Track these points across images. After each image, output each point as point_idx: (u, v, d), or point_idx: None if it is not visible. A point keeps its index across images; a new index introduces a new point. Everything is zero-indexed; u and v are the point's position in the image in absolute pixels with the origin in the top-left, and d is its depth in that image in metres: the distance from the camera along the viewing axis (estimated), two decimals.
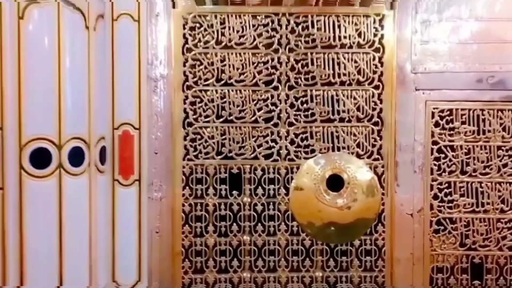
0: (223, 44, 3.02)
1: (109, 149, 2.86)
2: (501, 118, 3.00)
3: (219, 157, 3.03)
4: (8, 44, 2.47)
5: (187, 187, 3.02)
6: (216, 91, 3.02)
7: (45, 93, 2.54)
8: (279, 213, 3.04)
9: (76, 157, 2.65)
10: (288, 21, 3.02)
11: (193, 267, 3.03)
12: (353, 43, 3.02)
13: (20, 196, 2.53)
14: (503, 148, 3.01)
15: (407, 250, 3.02)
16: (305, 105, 3.04)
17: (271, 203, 3.04)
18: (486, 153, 3.01)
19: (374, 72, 3.02)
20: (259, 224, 3.04)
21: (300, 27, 3.02)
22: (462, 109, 3.00)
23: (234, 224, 3.04)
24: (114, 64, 2.88)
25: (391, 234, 3.03)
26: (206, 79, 3.02)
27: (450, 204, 3.02)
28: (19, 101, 2.50)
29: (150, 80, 2.95)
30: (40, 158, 2.55)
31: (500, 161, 3.01)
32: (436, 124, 3.00)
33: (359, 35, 3.02)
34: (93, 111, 2.72)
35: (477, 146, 3.01)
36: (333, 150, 3.04)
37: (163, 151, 2.97)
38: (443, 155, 3.01)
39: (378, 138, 3.04)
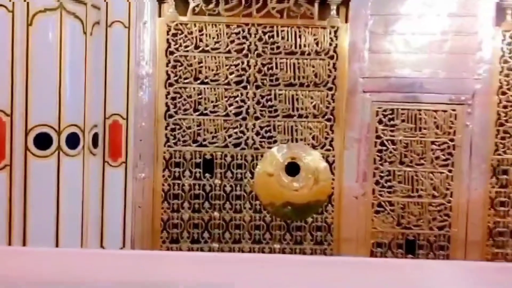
0: (201, 48, 3.52)
1: (100, 135, 3.34)
2: (435, 118, 3.52)
3: (195, 144, 3.54)
4: (19, 46, 2.95)
5: (167, 170, 3.53)
6: (194, 88, 3.53)
7: (48, 87, 3.02)
8: (244, 194, 3.56)
9: (73, 141, 3.13)
10: (257, 30, 3.52)
11: (170, 238, 3.55)
12: (312, 50, 3.52)
13: (25, 172, 3.02)
14: (436, 143, 3.53)
15: (352, 228, 3.55)
16: (269, 103, 3.54)
17: (238, 185, 3.55)
18: (422, 147, 3.53)
19: (329, 76, 3.53)
20: (227, 202, 3.55)
21: (266, 36, 3.52)
22: (402, 109, 3.52)
23: (206, 202, 3.55)
24: (107, 63, 3.36)
25: (339, 213, 3.55)
26: (186, 78, 3.52)
27: (389, 190, 3.54)
28: (26, 94, 2.97)
29: (137, 78, 3.44)
30: (43, 141, 3.03)
31: (433, 154, 3.53)
32: (380, 121, 3.52)
33: (317, 44, 3.52)
34: (88, 103, 3.20)
35: (414, 140, 3.53)
36: (292, 142, 3.56)
37: (147, 138, 3.48)
38: (384, 148, 3.53)
39: (330, 132, 3.55)
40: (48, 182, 3.08)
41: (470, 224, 3.54)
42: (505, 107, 3.51)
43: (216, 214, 3.55)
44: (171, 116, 3.52)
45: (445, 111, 3.51)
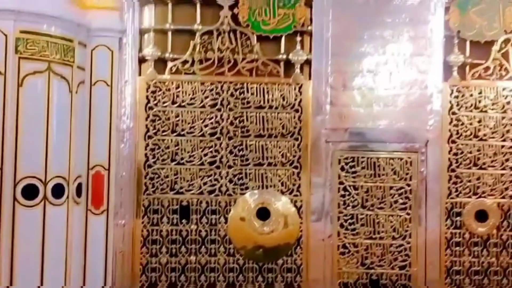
0: (178, 104, 3.83)
1: (84, 185, 3.59)
2: (392, 165, 3.85)
3: (172, 192, 3.80)
4: (9, 105, 3.21)
5: (146, 216, 3.78)
6: (171, 140, 3.82)
7: (36, 142, 3.28)
8: (219, 238, 3.80)
9: (58, 191, 3.36)
10: (229, 87, 3.85)
11: (148, 281, 3.76)
12: (279, 105, 3.85)
13: (13, 221, 3.24)
14: (394, 188, 3.84)
15: (319, 269, 3.79)
16: (241, 152, 3.84)
17: (213, 229, 3.80)
18: (381, 192, 3.84)
19: (295, 128, 3.85)
20: (203, 246, 3.79)
21: (238, 92, 3.85)
22: (362, 157, 3.84)
23: (183, 246, 3.78)
24: (91, 118, 3.62)
25: (307, 255, 3.80)
26: (164, 131, 3.82)
27: (353, 232, 3.82)
28: (15, 148, 3.22)
29: (119, 131, 3.72)
30: (30, 192, 3.27)
31: (392, 198, 3.83)
32: (342, 168, 3.83)
33: (283, 99, 3.86)
34: (73, 155, 3.45)
35: (374, 186, 3.84)
36: (262, 188, 3.84)
37: (127, 187, 3.74)
38: (347, 193, 3.83)
39: (297, 179, 3.84)
40: (34, 229, 3.30)
41: (429, 263, 3.81)
42: (455, 154, 3.86)
43: (192, 258, 3.78)
44: (150, 166, 3.80)
45: (401, 158, 3.84)
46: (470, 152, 3.86)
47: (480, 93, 3.89)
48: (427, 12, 3.88)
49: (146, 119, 3.82)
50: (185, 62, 3.85)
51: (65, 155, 3.43)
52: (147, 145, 3.81)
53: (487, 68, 3.92)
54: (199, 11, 3.86)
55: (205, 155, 3.83)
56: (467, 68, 3.92)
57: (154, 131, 3.82)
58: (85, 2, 3.66)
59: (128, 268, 3.73)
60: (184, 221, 3.80)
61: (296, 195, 3.83)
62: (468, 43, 3.92)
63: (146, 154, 3.80)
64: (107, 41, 3.70)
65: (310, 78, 3.87)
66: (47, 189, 3.33)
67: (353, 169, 3.83)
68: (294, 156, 3.85)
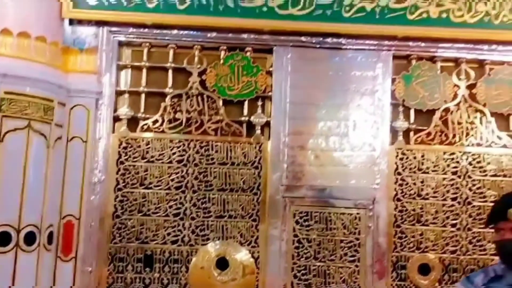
0: (147, 159, 4.17)
1: (55, 233, 3.86)
2: (342, 220, 4.17)
3: (138, 241, 4.08)
4: None
5: (112, 264, 4.03)
6: (139, 193, 4.13)
7: (12, 193, 3.59)
8: (180, 286, 4.06)
9: (30, 239, 3.64)
10: (195, 145, 4.21)
11: None
12: (240, 162, 4.21)
13: None
14: (344, 241, 4.16)
15: None
16: (204, 205, 4.15)
17: (175, 278, 4.07)
18: (332, 244, 4.15)
19: (254, 183, 4.19)
20: None
21: (203, 149, 4.20)
22: (315, 212, 4.16)
23: None
24: (65, 171, 3.94)
25: None
26: (132, 184, 4.14)
27: (305, 283, 4.10)
28: None
29: (91, 184, 4.04)
30: (3, 239, 3.56)
31: (342, 251, 4.15)
32: (297, 222, 4.15)
33: (244, 156, 4.22)
34: (46, 206, 3.74)
35: (325, 239, 4.15)
36: (223, 239, 4.14)
37: (95, 236, 4.01)
38: (301, 245, 4.13)
39: (256, 231, 4.14)
40: (6, 274, 3.56)
41: None
42: (400, 211, 4.21)
43: None
44: (118, 217, 4.09)
45: (350, 214, 4.18)
46: (414, 210, 4.22)
47: (422, 156, 4.29)
48: (375, 82, 4.32)
49: (117, 173, 4.14)
50: (155, 121, 4.22)
51: (39, 205, 3.73)
52: (117, 197, 4.11)
53: (429, 134, 4.33)
54: (170, 76, 4.28)
55: (170, 207, 4.14)
56: (411, 133, 4.33)
57: (124, 184, 4.13)
58: (66, 66, 4.06)
59: None
60: (147, 269, 4.05)
61: (254, 246, 4.13)
62: (412, 111, 4.34)
63: (115, 205, 4.10)
64: (85, 101, 4.08)
65: (269, 139, 4.25)
66: (19, 237, 3.60)
67: (307, 223, 4.15)
68: (253, 210, 4.17)
